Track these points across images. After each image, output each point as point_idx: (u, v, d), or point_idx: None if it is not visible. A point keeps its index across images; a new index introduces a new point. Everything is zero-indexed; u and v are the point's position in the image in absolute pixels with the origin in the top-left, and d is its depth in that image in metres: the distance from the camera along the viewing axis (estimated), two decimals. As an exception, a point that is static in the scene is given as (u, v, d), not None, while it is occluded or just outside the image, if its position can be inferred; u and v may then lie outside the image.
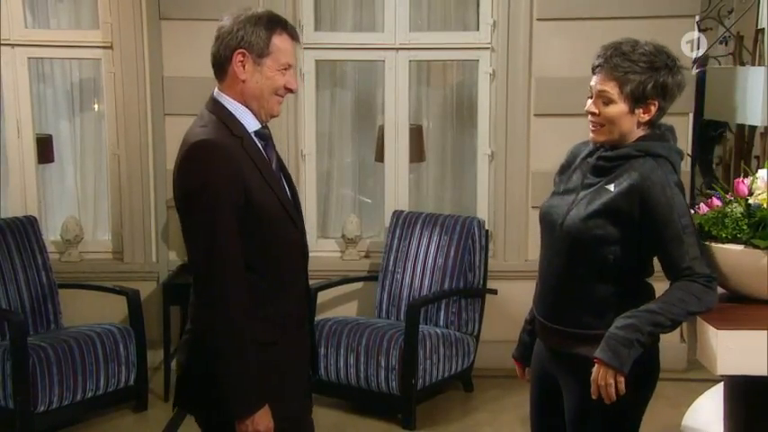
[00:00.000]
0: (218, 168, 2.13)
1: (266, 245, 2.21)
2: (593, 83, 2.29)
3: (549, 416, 2.47)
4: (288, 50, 2.22)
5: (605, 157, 2.29)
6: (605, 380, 2.14)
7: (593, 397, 2.17)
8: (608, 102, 2.25)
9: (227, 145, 2.16)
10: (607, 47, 2.27)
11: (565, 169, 2.43)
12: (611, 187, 2.24)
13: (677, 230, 2.17)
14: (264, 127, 2.29)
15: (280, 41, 2.21)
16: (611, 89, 2.24)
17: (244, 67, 2.19)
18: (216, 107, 2.23)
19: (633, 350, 2.13)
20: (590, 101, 2.30)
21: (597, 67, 2.28)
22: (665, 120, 2.37)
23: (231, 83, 2.22)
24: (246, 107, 2.23)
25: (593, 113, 2.29)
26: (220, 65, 2.23)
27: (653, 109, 2.25)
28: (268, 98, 2.23)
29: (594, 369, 2.16)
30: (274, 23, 2.21)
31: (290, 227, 2.27)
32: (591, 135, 2.32)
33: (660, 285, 2.34)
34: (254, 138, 2.25)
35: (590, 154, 2.35)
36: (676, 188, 2.22)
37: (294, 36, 2.25)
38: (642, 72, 2.22)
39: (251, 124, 2.25)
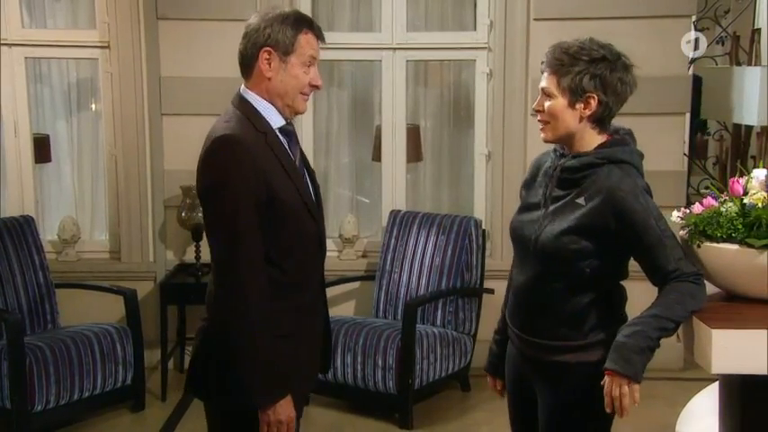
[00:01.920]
0: (239, 164, 2.16)
1: (286, 239, 2.25)
2: (540, 82, 2.30)
3: (527, 416, 2.46)
4: (314, 46, 2.28)
5: (569, 168, 2.28)
6: (620, 390, 2.11)
7: (608, 410, 2.14)
8: (549, 97, 2.26)
9: (250, 140, 2.20)
10: (552, 45, 2.28)
11: (530, 183, 2.42)
12: (582, 201, 2.23)
13: (657, 235, 2.16)
14: (289, 123, 2.32)
15: (305, 40, 2.25)
16: (551, 84, 2.25)
17: (270, 64, 2.24)
18: (241, 103, 2.28)
19: (645, 357, 2.12)
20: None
21: (542, 65, 2.29)
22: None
23: (257, 80, 2.26)
24: (271, 104, 2.27)
25: (537, 111, 2.29)
26: (247, 62, 2.27)
27: (593, 103, 2.23)
28: (293, 96, 2.27)
29: (607, 381, 2.13)
30: (301, 22, 2.26)
31: (309, 222, 2.31)
32: (540, 135, 2.32)
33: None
34: (279, 134, 2.29)
35: (554, 166, 2.33)
36: (646, 193, 2.22)
37: (320, 36, 2.30)
38: (579, 65, 2.21)
39: (275, 120, 2.28)
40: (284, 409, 2.22)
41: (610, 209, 2.19)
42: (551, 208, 2.28)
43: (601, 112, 2.25)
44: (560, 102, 2.24)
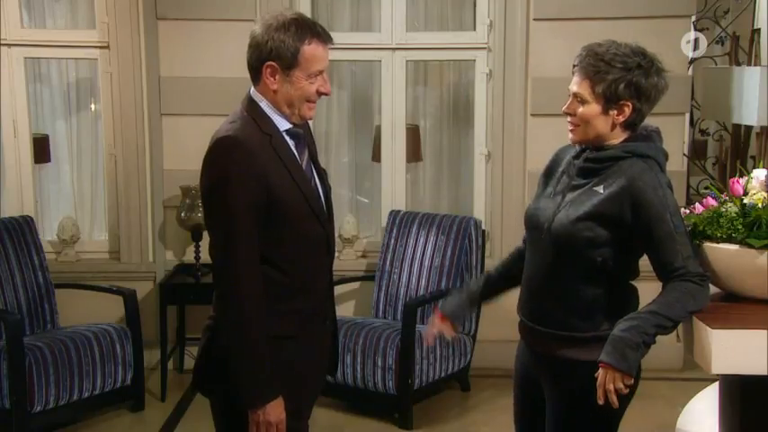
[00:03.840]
0: (238, 165, 2.16)
1: (289, 241, 2.25)
2: (570, 84, 2.29)
3: (532, 415, 2.46)
4: (318, 57, 2.24)
5: (592, 159, 2.29)
6: (613, 383, 2.13)
7: (600, 402, 2.15)
8: (582, 102, 2.25)
9: (252, 142, 2.20)
10: (585, 47, 2.27)
11: (550, 171, 2.43)
12: (601, 189, 2.24)
13: (670, 230, 2.17)
14: (298, 126, 2.31)
15: (309, 50, 2.22)
16: (584, 89, 2.24)
17: (274, 77, 2.23)
18: (250, 105, 2.28)
19: (640, 352, 2.13)
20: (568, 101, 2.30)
21: (574, 67, 2.28)
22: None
23: (263, 89, 2.26)
24: (278, 110, 2.27)
25: (568, 114, 2.29)
26: (253, 72, 2.27)
27: (627, 110, 2.24)
28: (299, 105, 2.27)
29: (600, 373, 2.15)
30: (303, 31, 2.22)
31: (314, 224, 2.30)
32: (569, 135, 2.32)
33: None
34: (285, 136, 2.28)
35: (577, 156, 2.34)
36: (667, 188, 2.22)
37: (325, 40, 2.25)
38: (614, 72, 2.21)
39: (282, 124, 2.28)
40: (274, 410, 2.21)
41: (627, 198, 2.19)
42: (569, 196, 2.29)
43: (634, 117, 2.26)
44: (594, 108, 2.24)
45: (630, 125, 2.28)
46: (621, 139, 2.28)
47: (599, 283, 2.26)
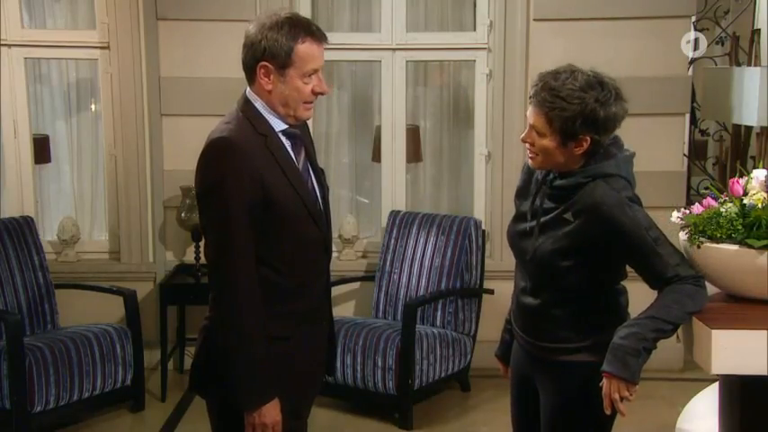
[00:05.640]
0: (231, 166, 2.16)
1: (286, 243, 2.25)
2: (527, 112, 2.26)
3: (529, 415, 2.47)
4: (313, 56, 2.22)
5: (558, 187, 2.27)
6: (619, 393, 2.13)
7: (607, 412, 2.16)
8: (540, 134, 2.22)
9: (247, 143, 2.19)
10: (541, 77, 2.22)
11: (522, 191, 2.42)
12: (570, 216, 2.23)
13: (650, 245, 2.16)
14: (294, 127, 2.30)
15: (303, 49, 2.20)
16: (541, 124, 2.21)
17: (268, 77, 2.21)
18: (245, 105, 2.27)
19: (641, 358, 2.13)
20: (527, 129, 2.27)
21: (530, 98, 2.24)
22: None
23: (258, 89, 2.25)
24: (274, 111, 2.26)
25: (527, 143, 2.26)
26: (248, 73, 2.26)
27: (585, 144, 2.21)
28: (295, 106, 2.25)
29: (605, 383, 2.15)
30: (297, 30, 2.20)
31: (311, 226, 2.29)
32: (529, 161, 2.31)
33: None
34: (281, 136, 2.27)
35: (543, 179, 2.32)
36: (634, 204, 2.20)
37: (319, 38, 2.24)
38: (570, 109, 2.16)
39: (278, 124, 2.27)
40: (270, 412, 2.21)
41: (597, 227, 2.19)
42: (542, 220, 2.29)
43: (593, 148, 2.24)
44: (551, 142, 2.21)
45: (590, 154, 2.25)
46: (582, 164, 2.26)
47: (585, 298, 2.28)
